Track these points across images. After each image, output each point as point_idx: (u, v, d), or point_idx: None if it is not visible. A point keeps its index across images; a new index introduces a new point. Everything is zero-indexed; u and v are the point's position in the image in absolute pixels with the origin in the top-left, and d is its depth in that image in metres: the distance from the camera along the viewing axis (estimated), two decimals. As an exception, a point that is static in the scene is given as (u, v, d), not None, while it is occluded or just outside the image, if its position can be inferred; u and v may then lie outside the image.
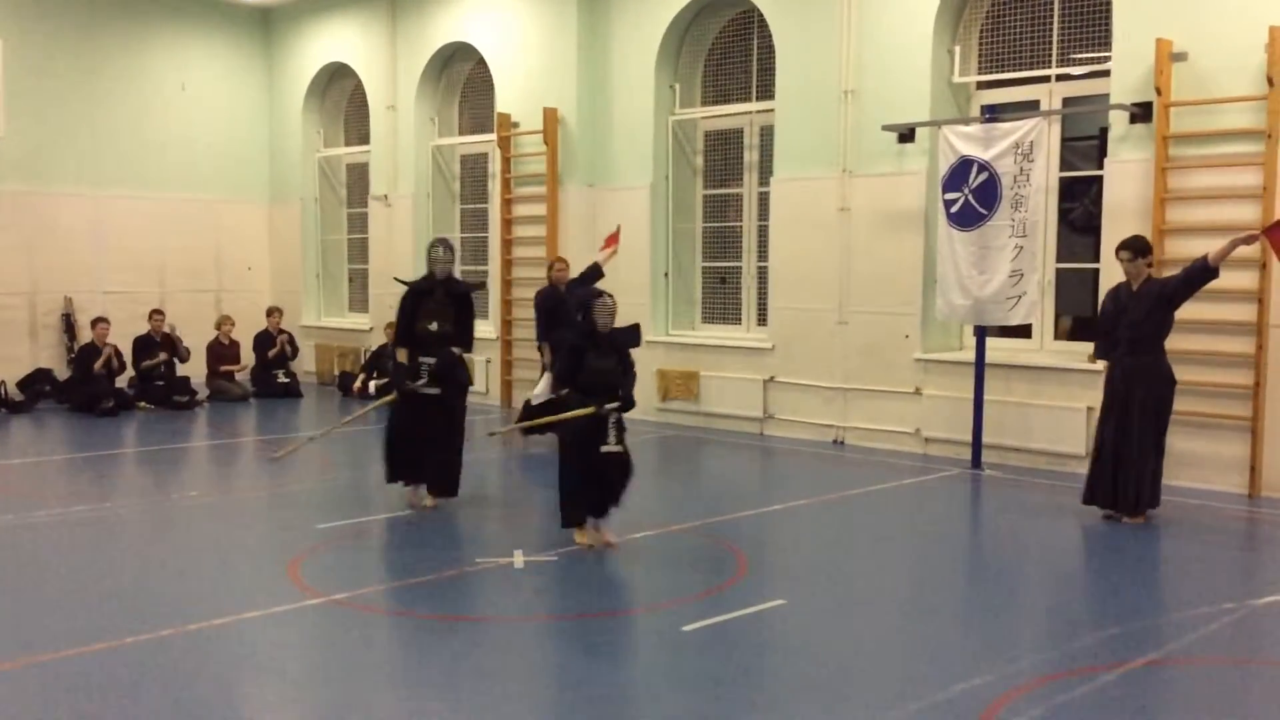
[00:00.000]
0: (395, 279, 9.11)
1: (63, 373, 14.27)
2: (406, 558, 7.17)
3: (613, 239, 10.92)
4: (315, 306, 16.75)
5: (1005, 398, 10.06)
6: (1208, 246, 8.57)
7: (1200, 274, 7.73)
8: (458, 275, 9.20)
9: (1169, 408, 7.99)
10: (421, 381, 8.12)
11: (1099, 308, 8.33)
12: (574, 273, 10.70)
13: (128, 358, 13.90)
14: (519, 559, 6.87)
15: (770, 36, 11.68)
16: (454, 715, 4.64)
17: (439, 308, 8.27)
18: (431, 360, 8.14)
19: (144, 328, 14.30)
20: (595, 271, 10.57)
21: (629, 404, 7.10)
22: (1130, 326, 7.88)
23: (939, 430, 10.50)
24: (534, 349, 12.97)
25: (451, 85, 14.99)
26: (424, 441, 8.18)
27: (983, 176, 9.57)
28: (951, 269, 9.83)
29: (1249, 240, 7.81)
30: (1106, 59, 9.66)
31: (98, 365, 13.51)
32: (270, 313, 15.45)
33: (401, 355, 8.28)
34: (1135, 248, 7.93)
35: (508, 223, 13.83)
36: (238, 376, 14.84)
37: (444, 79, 14.95)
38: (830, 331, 11.18)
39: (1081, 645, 5.48)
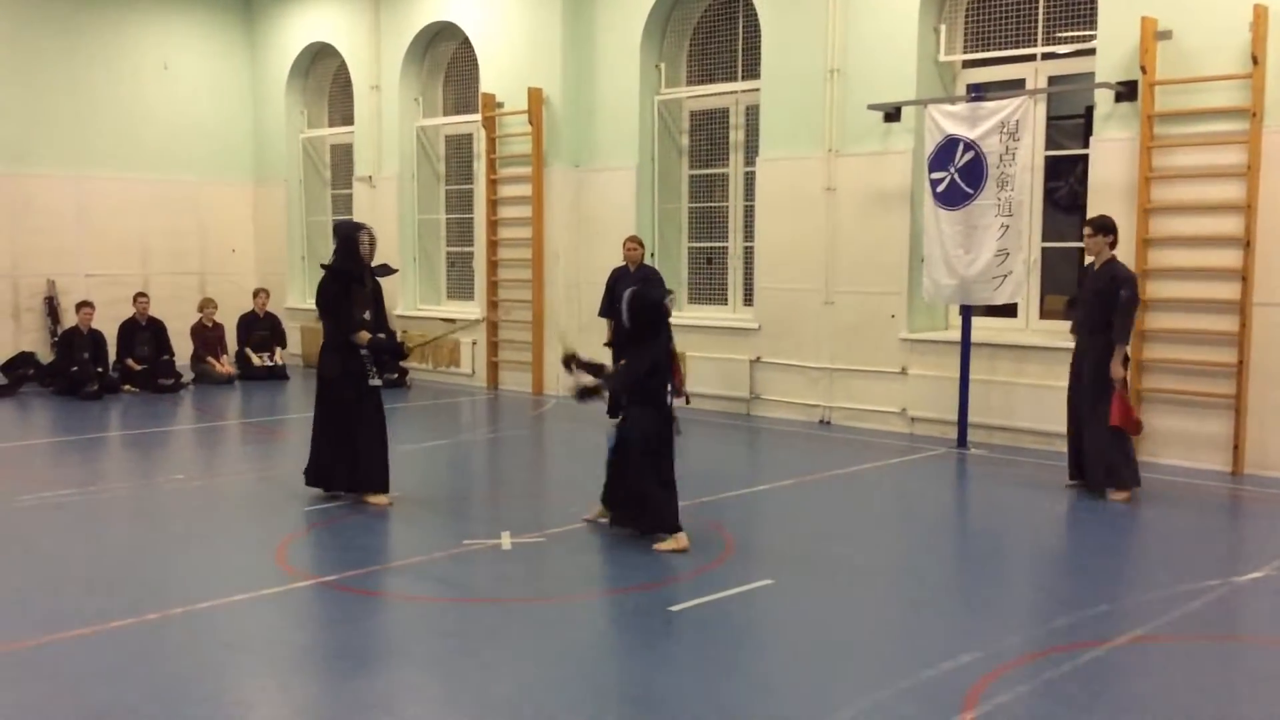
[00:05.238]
0: (322, 265, 8.02)
1: (46, 356, 14.18)
2: (394, 540, 7.17)
3: None
4: (300, 289, 16.64)
5: (991, 377, 10.09)
6: (1192, 225, 8.79)
7: (1120, 322, 7.81)
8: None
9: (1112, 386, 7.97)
10: (374, 372, 7.70)
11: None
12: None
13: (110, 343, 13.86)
14: (506, 540, 6.87)
15: (755, 15, 11.63)
16: (442, 696, 4.65)
17: (370, 295, 7.76)
18: (368, 353, 7.69)
19: (127, 311, 14.23)
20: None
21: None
22: (1083, 304, 8.12)
23: (925, 410, 10.53)
24: (520, 329, 13.27)
25: (435, 65, 14.89)
26: (384, 439, 7.84)
27: (969, 155, 9.56)
28: (938, 248, 9.83)
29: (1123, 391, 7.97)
30: (1092, 38, 9.65)
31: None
32: (257, 294, 15.38)
33: (364, 338, 7.67)
34: (1096, 224, 8.11)
35: (493, 203, 13.78)
36: (224, 359, 14.78)
37: (428, 59, 14.85)
38: (816, 312, 11.18)
39: (1067, 623, 5.51)
